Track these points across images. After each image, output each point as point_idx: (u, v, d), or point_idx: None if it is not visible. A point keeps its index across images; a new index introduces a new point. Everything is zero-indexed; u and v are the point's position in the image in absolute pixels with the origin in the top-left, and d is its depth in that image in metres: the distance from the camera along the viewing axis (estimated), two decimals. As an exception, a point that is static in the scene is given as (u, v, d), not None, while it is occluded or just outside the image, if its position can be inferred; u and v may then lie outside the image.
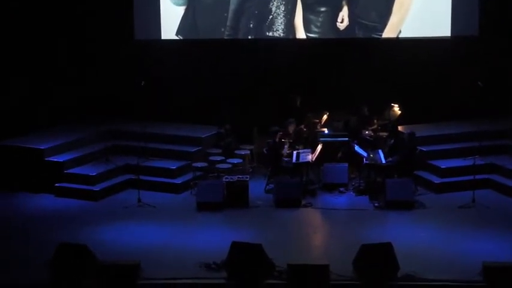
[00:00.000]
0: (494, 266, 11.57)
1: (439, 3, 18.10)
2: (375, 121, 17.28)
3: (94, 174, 16.30)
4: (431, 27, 18.17)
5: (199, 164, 16.61)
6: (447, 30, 18.14)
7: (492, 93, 17.77)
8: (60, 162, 16.43)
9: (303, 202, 15.50)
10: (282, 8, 18.50)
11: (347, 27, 18.42)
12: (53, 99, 18.27)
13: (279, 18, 18.58)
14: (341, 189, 16.17)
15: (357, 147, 16.20)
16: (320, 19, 18.54)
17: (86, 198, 15.86)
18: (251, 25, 18.72)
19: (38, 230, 14.27)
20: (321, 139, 16.76)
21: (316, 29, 18.55)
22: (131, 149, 17.08)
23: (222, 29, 18.74)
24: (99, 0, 18.66)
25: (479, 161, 15.65)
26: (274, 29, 18.66)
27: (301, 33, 18.60)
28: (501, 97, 18.13)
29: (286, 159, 16.15)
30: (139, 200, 15.46)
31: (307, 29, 18.55)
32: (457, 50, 18.14)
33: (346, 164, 16.40)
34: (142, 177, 15.92)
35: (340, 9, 18.35)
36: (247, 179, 15.61)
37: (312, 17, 18.54)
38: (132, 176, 16.32)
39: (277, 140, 16.20)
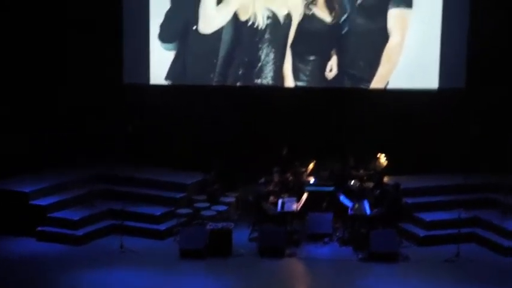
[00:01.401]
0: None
1: (427, 55, 18.17)
2: (361, 171, 17.27)
3: (77, 218, 16.18)
4: (419, 79, 18.25)
5: (183, 211, 16.53)
6: (435, 82, 18.22)
7: (480, 146, 17.84)
8: (44, 205, 16.31)
9: (287, 251, 15.40)
10: (272, 55, 18.58)
11: (335, 77, 18.48)
12: (39, 142, 18.17)
13: (268, 65, 18.65)
14: (325, 239, 16.09)
15: (342, 197, 16.17)
16: (309, 68, 18.61)
17: (68, 243, 15.72)
18: (240, 72, 18.77)
19: (19, 275, 14.10)
20: (307, 188, 16.73)
21: (304, 77, 18.61)
22: (116, 194, 16.98)
23: (211, 75, 18.77)
24: (88, 43, 18.69)
25: (464, 214, 15.62)
26: (263, 77, 18.71)
27: (289, 81, 18.66)
28: (488, 150, 18.13)
29: (271, 208, 16.08)
30: (121, 246, 15.35)
31: (296, 77, 18.61)
32: (444, 102, 18.20)
33: (331, 214, 16.34)
34: (126, 222, 15.82)
35: (329, 59, 18.42)
36: (232, 227, 15.52)
37: (301, 65, 18.61)
38: (116, 222, 16.20)
39: (265, 190, 16.14)
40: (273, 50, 18.50)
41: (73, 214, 16.34)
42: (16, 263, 14.77)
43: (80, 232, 15.96)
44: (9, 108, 17.86)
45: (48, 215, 16.25)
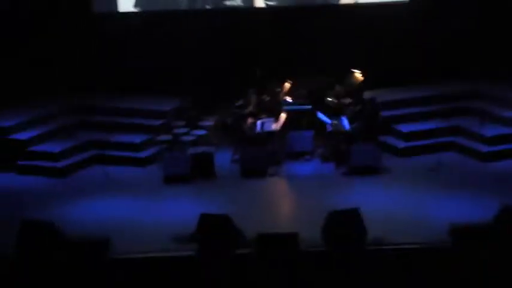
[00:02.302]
0: (461, 227, 11.67)
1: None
2: (337, 87, 17.25)
3: (58, 150, 16.12)
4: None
5: (163, 137, 16.54)
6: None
7: (451, 55, 17.90)
8: (23, 139, 16.24)
9: (269, 171, 15.51)
10: (241, -23, 18.43)
11: (306, -6, 18.40)
12: (15, 76, 17.95)
13: (237, -14, 18.50)
14: (306, 156, 16.22)
15: (320, 115, 16.23)
16: (279, -14, 18.50)
17: (51, 175, 15.70)
18: (209, -6, 18.63)
19: (1, 208, 14.10)
20: (285, 108, 16.75)
21: (274, -3, 18.51)
22: (96, 124, 16.92)
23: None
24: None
25: (441, 123, 15.76)
26: (233, -2, 18.58)
27: (259, 2, 18.51)
28: (459, 59, 18.19)
29: (250, 129, 16.10)
30: (105, 174, 15.40)
31: (265, -4, 18.52)
32: (415, 14, 18.17)
33: (311, 132, 16.42)
34: (107, 152, 15.81)
35: (299, -24, 18.31)
36: (213, 151, 15.57)
37: (270, -16, 18.49)
38: (97, 152, 16.17)
39: (242, 112, 16.14)
40: (242, -31, 18.36)
41: (53, 147, 16.27)
42: (-1, 196, 14.76)
43: (61, 164, 15.91)
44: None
45: (29, 149, 16.18)
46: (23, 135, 16.36)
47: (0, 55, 17.88)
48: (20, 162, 16.03)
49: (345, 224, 11.73)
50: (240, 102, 16.61)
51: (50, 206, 14.05)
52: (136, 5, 18.68)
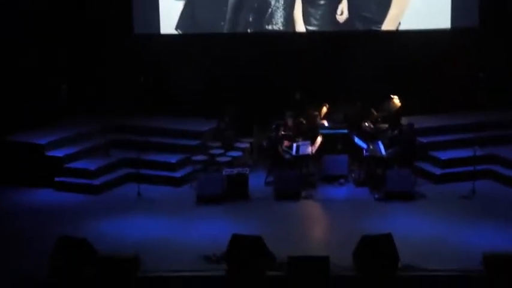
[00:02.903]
0: (494, 256, 11.54)
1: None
2: (374, 112, 17.22)
3: (94, 168, 16.28)
4: (431, 19, 18.11)
5: (199, 157, 16.60)
6: (447, 22, 18.08)
7: (492, 85, 17.77)
8: (60, 156, 16.41)
9: (303, 194, 15.47)
10: (282, 1, 18.47)
11: (346, 20, 18.40)
12: (53, 95, 18.19)
13: (278, 11, 18.54)
14: (341, 180, 16.16)
15: (356, 139, 16.17)
16: (319, 12, 18.51)
17: (86, 192, 15.84)
18: (250, 19, 18.69)
19: (38, 224, 14.27)
20: (321, 131, 16.74)
21: (315, 22, 18.51)
22: (131, 143, 17.03)
23: (222, 23, 18.72)
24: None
25: (479, 151, 15.62)
26: (274, 23, 18.62)
27: (300, 26, 18.58)
28: (501, 88, 18.07)
29: (286, 151, 16.09)
30: (138, 194, 15.49)
31: (306, 21, 18.52)
32: (457, 42, 18.10)
33: (346, 156, 16.36)
34: (142, 171, 15.90)
35: (340, 2, 18.32)
36: (247, 172, 15.60)
37: (311, 9, 18.51)
38: (132, 170, 16.29)
39: (278, 134, 16.13)
40: (283, -6, 18.45)
41: (89, 164, 16.45)
42: (36, 212, 14.93)
43: (97, 181, 16.07)
44: (24, 62, 17.81)
45: (65, 166, 16.36)
46: (59, 153, 16.55)
47: (40, 74, 18.11)
48: (56, 179, 16.20)
49: (377, 249, 11.67)
50: (276, 125, 16.62)
51: (85, 223, 14.15)
52: (177, 27, 18.83)
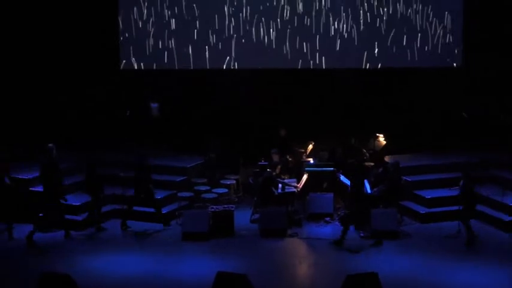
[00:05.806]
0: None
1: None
2: (364, 151, 17.25)
3: (78, 204, 16.16)
4: (415, 57, 18.34)
5: (184, 194, 16.56)
6: (432, 61, 18.29)
7: (475, 125, 17.95)
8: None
9: (289, 232, 15.45)
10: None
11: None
12: (38, 128, 18.14)
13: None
14: (327, 219, 16.16)
15: (342, 177, 16.20)
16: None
17: (71, 228, 15.68)
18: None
19: (21, 260, 14.14)
20: (307, 169, 16.76)
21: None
22: (117, 179, 16.90)
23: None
24: (84, 32, 18.69)
25: (455, 191, 15.66)
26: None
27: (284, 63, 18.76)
28: (484, 128, 18.23)
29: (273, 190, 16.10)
30: (124, 227, 15.52)
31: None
32: (440, 82, 18.28)
33: (332, 194, 16.38)
34: (127, 207, 15.84)
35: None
36: (233, 209, 15.57)
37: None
38: (117, 206, 16.20)
39: (271, 174, 16.11)
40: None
41: (73, 199, 16.29)
42: (19, 248, 14.74)
43: (80, 217, 15.94)
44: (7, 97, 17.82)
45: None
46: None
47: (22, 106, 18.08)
48: (41, 215, 16.04)
49: (362, 288, 11.63)
50: (262, 162, 16.66)
51: (71, 259, 14.03)
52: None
